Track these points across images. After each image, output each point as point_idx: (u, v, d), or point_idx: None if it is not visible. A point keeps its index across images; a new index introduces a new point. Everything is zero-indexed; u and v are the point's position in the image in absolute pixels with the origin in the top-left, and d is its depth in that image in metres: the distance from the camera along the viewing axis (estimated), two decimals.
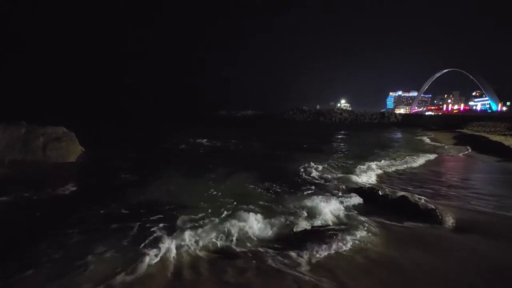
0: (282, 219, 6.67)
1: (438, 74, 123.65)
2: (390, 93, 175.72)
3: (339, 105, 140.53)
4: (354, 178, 10.82)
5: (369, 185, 9.44)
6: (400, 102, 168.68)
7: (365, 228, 6.17)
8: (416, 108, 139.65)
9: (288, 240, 5.67)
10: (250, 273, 4.48)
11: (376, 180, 10.88)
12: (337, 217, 6.94)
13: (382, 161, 14.65)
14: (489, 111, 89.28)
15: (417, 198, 7.99)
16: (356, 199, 8.11)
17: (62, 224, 6.44)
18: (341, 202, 7.87)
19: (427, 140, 28.23)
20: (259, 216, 6.66)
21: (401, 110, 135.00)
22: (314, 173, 11.72)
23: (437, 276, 4.47)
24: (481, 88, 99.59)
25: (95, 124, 40.42)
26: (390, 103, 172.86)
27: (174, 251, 5.14)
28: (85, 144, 15.10)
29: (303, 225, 6.44)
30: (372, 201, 8.00)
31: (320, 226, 6.39)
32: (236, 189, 9.26)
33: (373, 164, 13.45)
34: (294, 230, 6.20)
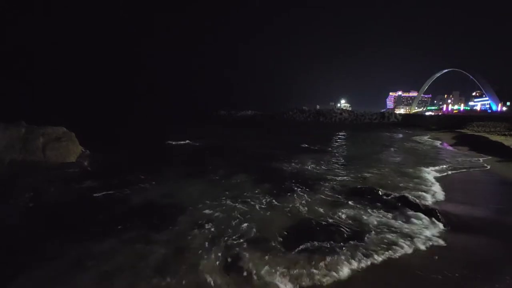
0: (282, 219, 6.69)
1: (438, 74, 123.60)
2: (390, 93, 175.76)
3: (339, 105, 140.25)
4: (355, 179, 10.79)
5: (368, 185, 9.42)
6: (400, 102, 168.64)
7: (365, 227, 6.19)
8: (416, 108, 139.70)
9: (289, 239, 5.67)
10: (251, 269, 4.48)
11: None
12: (337, 217, 6.93)
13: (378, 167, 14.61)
14: (489, 111, 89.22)
15: (416, 198, 7.98)
16: (355, 200, 8.11)
17: (62, 224, 6.44)
18: (341, 203, 7.90)
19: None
20: (257, 217, 6.66)
21: (401, 110, 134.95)
22: (314, 174, 11.72)
23: (437, 273, 4.47)
24: (481, 88, 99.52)
25: (95, 124, 40.43)
26: (390, 103, 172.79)
27: (174, 250, 5.15)
28: (85, 144, 15.09)
29: (302, 224, 6.45)
30: (372, 200, 7.99)
31: (318, 226, 6.39)
32: (235, 190, 9.24)
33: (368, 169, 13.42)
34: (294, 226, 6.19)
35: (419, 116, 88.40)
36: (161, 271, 4.52)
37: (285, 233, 5.98)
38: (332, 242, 5.51)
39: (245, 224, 6.37)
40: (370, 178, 10.93)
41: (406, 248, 5.34)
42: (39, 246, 5.33)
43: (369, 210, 7.27)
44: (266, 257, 4.94)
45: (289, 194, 8.71)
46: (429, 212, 6.93)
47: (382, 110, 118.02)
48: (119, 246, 5.29)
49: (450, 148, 21.53)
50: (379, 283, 4.32)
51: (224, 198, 8.23)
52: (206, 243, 5.47)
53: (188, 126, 45.29)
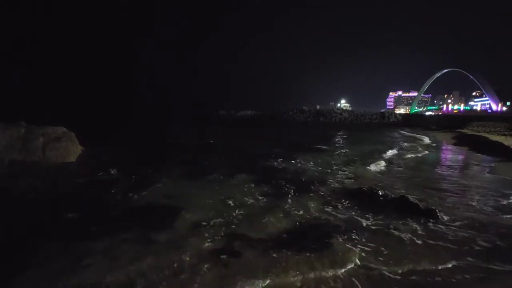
0: (281, 221, 6.69)
1: (438, 74, 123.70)
2: (390, 93, 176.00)
3: (339, 105, 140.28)
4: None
5: (368, 186, 9.41)
6: (400, 102, 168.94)
7: (365, 227, 6.19)
8: (416, 108, 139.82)
9: (288, 239, 5.67)
10: (251, 269, 4.48)
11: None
12: (336, 218, 6.93)
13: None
14: (489, 111, 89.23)
15: (415, 198, 7.98)
16: (355, 200, 8.11)
17: (62, 224, 6.44)
18: (340, 203, 7.90)
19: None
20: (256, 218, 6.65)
21: (401, 110, 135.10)
22: (313, 174, 11.72)
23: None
24: (481, 88, 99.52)
25: (96, 124, 40.44)
26: (390, 103, 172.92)
27: (173, 249, 5.15)
28: (85, 144, 15.10)
29: (303, 224, 6.45)
30: (372, 201, 7.99)
31: (317, 227, 6.39)
32: (235, 190, 9.24)
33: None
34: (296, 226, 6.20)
35: (419, 116, 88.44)
36: (161, 270, 4.52)
37: (284, 233, 5.99)
38: (331, 242, 5.53)
39: (245, 224, 6.39)
40: (370, 178, 10.94)
41: (407, 244, 5.35)
42: (39, 246, 5.32)
43: (368, 210, 7.29)
44: (265, 257, 4.96)
45: (288, 194, 8.71)
46: (429, 212, 6.95)
47: (382, 110, 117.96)
48: (119, 246, 5.29)
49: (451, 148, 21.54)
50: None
51: (223, 198, 8.24)
52: (206, 242, 5.48)
53: (188, 126, 45.29)
